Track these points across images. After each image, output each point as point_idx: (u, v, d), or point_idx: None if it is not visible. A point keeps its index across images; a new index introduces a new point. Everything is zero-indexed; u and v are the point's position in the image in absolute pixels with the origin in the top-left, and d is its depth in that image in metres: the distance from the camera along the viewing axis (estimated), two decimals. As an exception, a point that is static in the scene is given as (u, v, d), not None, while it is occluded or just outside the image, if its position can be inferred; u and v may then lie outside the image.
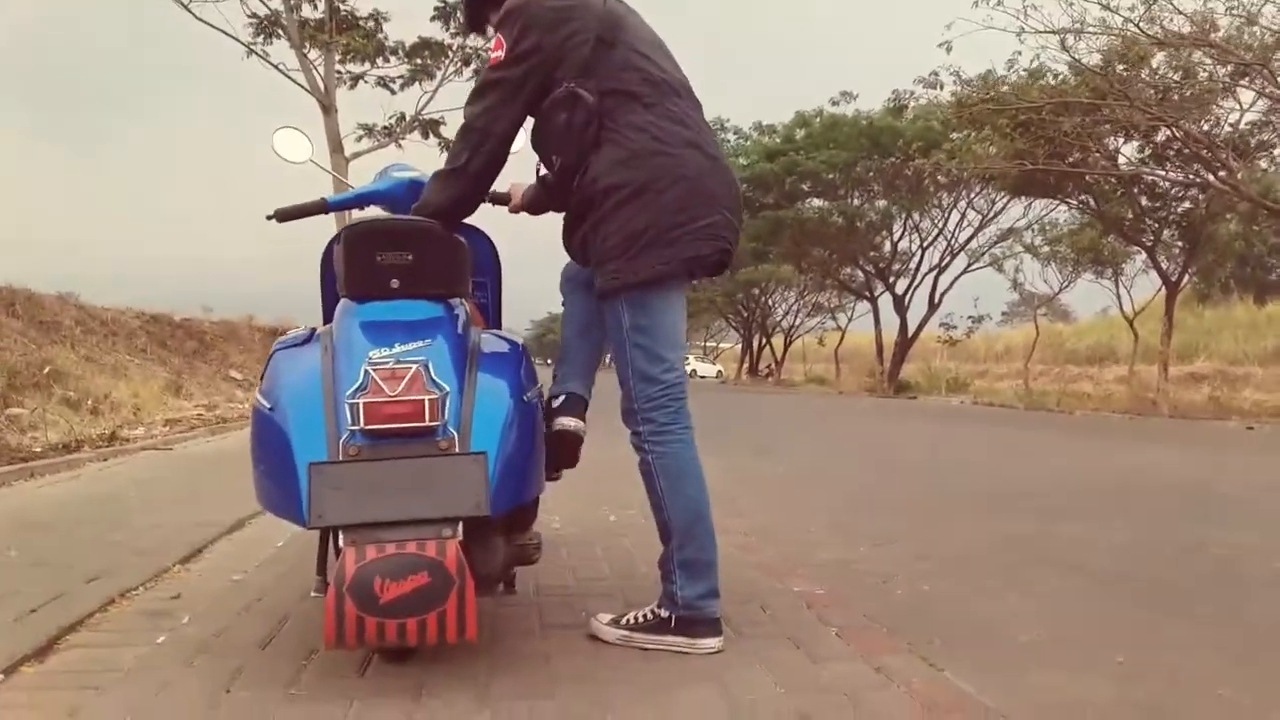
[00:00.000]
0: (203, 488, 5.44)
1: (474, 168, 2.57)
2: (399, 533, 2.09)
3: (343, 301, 2.51)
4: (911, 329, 29.38)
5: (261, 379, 2.45)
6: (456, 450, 2.19)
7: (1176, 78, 15.24)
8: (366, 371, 2.22)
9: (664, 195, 2.46)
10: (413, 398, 2.17)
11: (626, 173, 2.47)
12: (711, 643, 2.50)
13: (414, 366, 2.23)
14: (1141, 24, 14.22)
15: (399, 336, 2.34)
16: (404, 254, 2.44)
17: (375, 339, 2.33)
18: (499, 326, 3.00)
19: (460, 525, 2.15)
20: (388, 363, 2.25)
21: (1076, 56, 15.24)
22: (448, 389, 2.25)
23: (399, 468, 2.15)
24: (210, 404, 12.03)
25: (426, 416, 2.16)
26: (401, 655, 2.29)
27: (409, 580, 2.05)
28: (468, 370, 2.34)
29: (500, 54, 2.53)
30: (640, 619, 2.57)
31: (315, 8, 17.70)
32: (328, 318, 2.71)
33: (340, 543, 2.12)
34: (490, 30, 2.68)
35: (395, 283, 2.43)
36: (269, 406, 2.30)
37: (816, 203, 30.53)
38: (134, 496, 5.04)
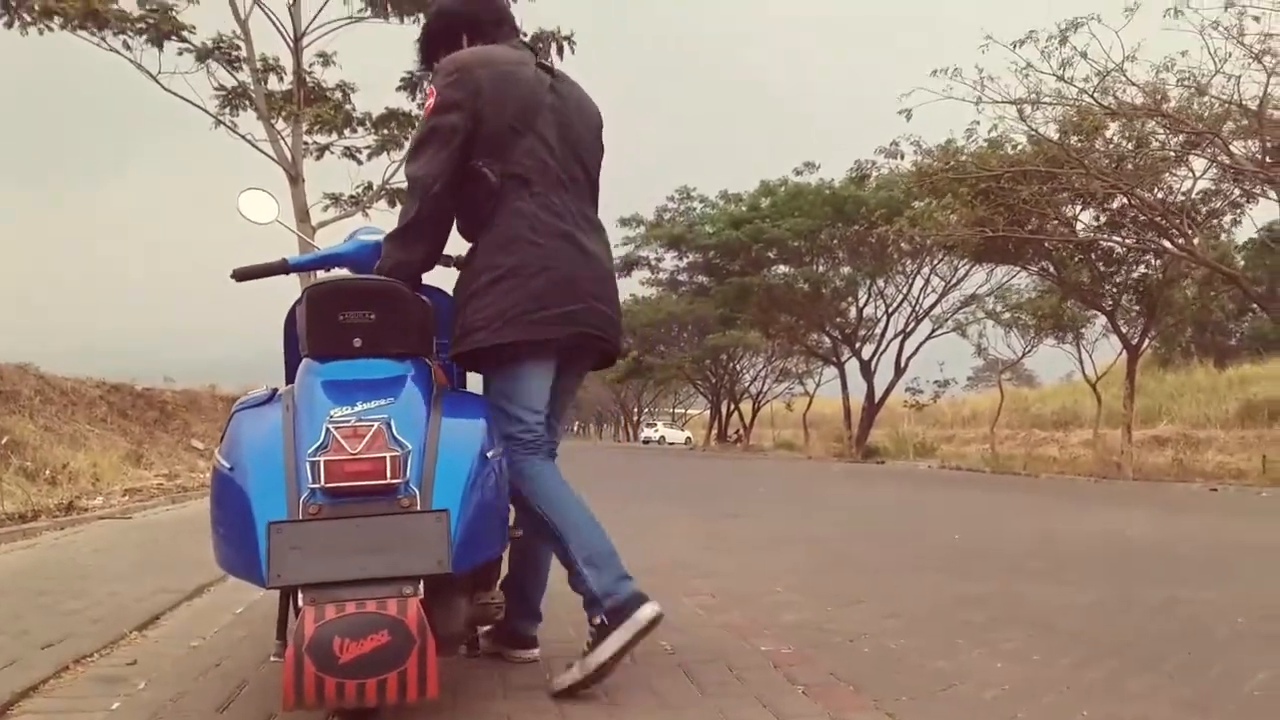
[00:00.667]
0: (162, 555, 5.34)
1: (423, 217, 2.68)
2: (359, 591, 2.07)
3: (305, 360, 2.51)
4: (878, 394, 29.61)
5: (221, 439, 2.45)
6: (418, 508, 2.18)
7: (1130, 147, 15.64)
8: (328, 429, 2.21)
9: (530, 281, 2.66)
10: (374, 455, 2.16)
11: (502, 256, 2.67)
12: (648, 610, 2.59)
13: (376, 424, 2.22)
14: (1095, 95, 14.64)
15: (361, 395, 2.35)
16: (367, 313, 2.46)
17: (337, 397, 2.33)
18: (463, 385, 3.01)
19: (421, 583, 2.12)
20: (349, 421, 2.24)
21: (1033, 126, 15.64)
22: (410, 447, 2.24)
23: (360, 526, 2.13)
24: (171, 473, 11.86)
25: (388, 474, 2.15)
26: (362, 715, 2.20)
27: (369, 640, 2.02)
28: (430, 428, 2.34)
29: (431, 102, 2.71)
30: (585, 648, 2.60)
31: (281, 80, 17.83)
32: (290, 379, 2.69)
33: (299, 602, 2.08)
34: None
35: (358, 342, 2.45)
36: (229, 466, 2.28)
37: (782, 269, 30.90)
38: (91, 564, 4.94)
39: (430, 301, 2.70)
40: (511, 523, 2.65)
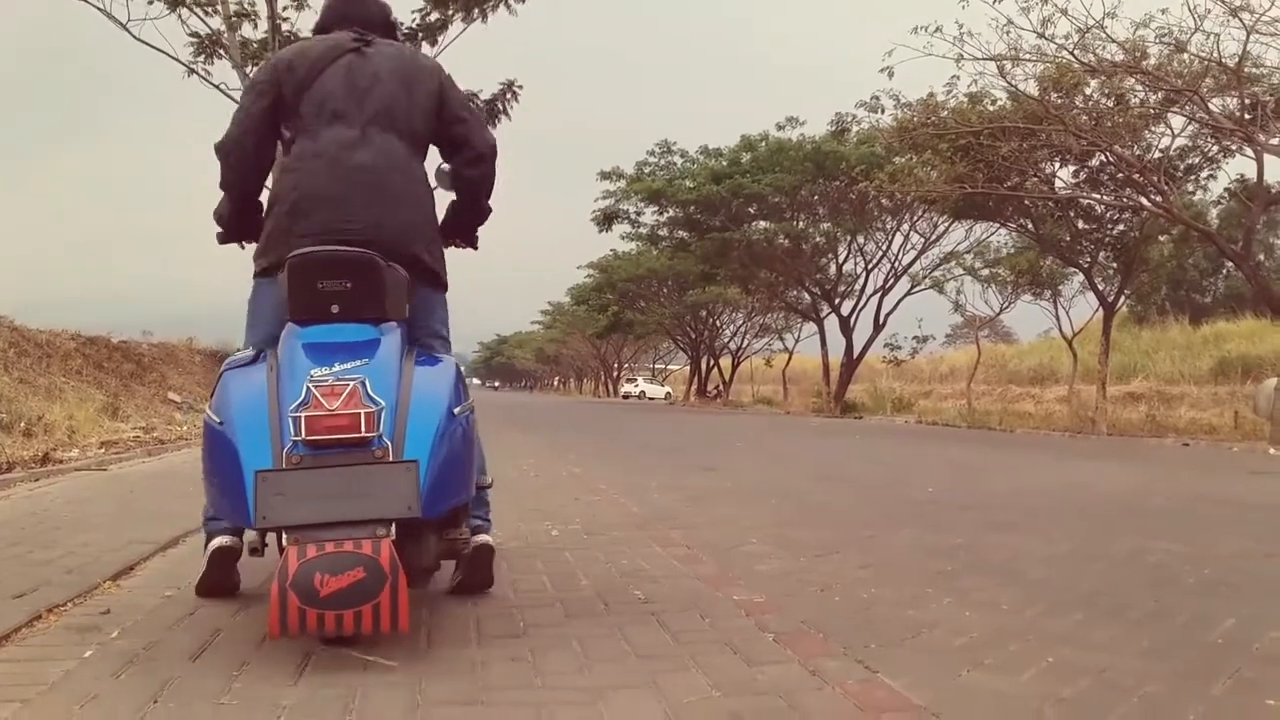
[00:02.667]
0: (137, 506, 5.33)
1: (223, 176, 3.10)
2: (337, 533, 2.31)
3: (288, 324, 2.73)
4: (857, 350, 29.72)
5: (212, 396, 2.69)
6: (390, 459, 2.43)
7: (1110, 104, 15.62)
8: (308, 388, 2.45)
9: (280, 208, 2.93)
10: (350, 411, 2.40)
11: (272, 189, 3.02)
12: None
13: (352, 383, 2.47)
14: (1075, 52, 14.59)
15: (339, 356, 2.58)
16: (344, 282, 2.69)
17: (317, 358, 2.57)
18: None
19: (393, 526, 2.36)
20: (328, 380, 2.48)
21: (1013, 83, 15.58)
22: (383, 404, 2.47)
23: (337, 475, 2.38)
24: (148, 426, 11.80)
25: (363, 428, 2.40)
26: (343, 643, 2.41)
27: (346, 576, 2.25)
28: (402, 387, 2.58)
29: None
30: None
31: (256, 27, 17.52)
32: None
33: (284, 542, 2.32)
34: None
35: (336, 308, 2.69)
36: (219, 421, 2.55)
37: (763, 225, 30.81)
38: (66, 515, 4.92)
39: (403, 273, 2.88)
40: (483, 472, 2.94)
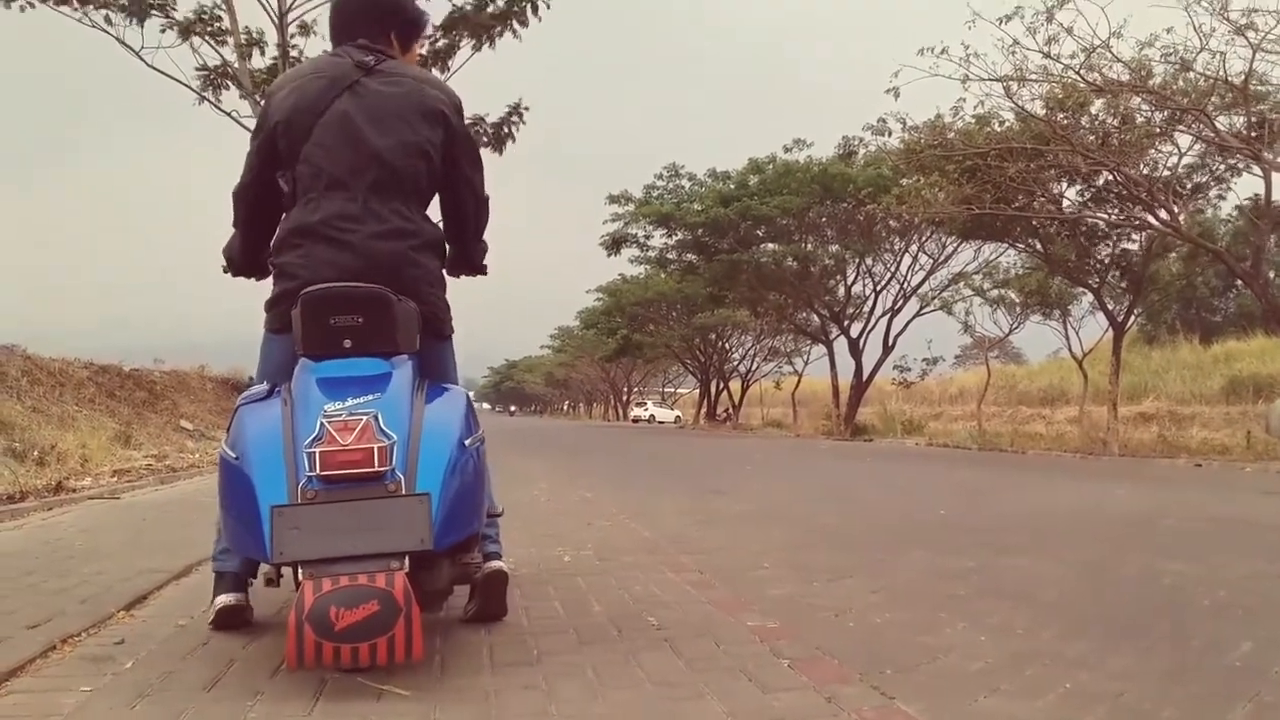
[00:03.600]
0: (150, 535, 5.34)
1: (234, 223, 3.20)
2: (352, 566, 2.34)
3: (301, 359, 2.77)
4: (866, 372, 29.65)
5: (227, 431, 2.74)
6: (403, 492, 2.46)
7: (1115, 123, 15.64)
8: (322, 423, 2.49)
9: (285, 281, 2.92)
10: (363, 446, 2.44)
11: (276, 256, 2.98)
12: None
13: (365, 418, 2.50)
14: (1081, 71, 14.63)
15: (351, 391, 2.62)
16: (355, 317, 2.73)
17: (330, 393, 2.61)
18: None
19: (406, 558, 2.40)
20: (341, 415, 2.52)
21: (1020, 103, 15.62)
22: (395, 437, 2.51)
23: (351, 509, 2.41)
24: (160, 454, 11.83)
25: (376, 463, 2.44)
26: (359, 671, 2.43)
27: (361, 609, 2.29)
28: (414, 420, 2.61)
29: None
30: None
31: (264, 55, 17.65)
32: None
33: (300, 576, 2.35)
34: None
35: (348, 342, 2.72)
36: (235, 456, 2.60)
37: (771, 247, 30.83)
38: (79, 544, 4.93)
39: (415, 306, 2.91)
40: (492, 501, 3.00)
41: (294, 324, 2.80)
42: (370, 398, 2.60)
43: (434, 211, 3.22)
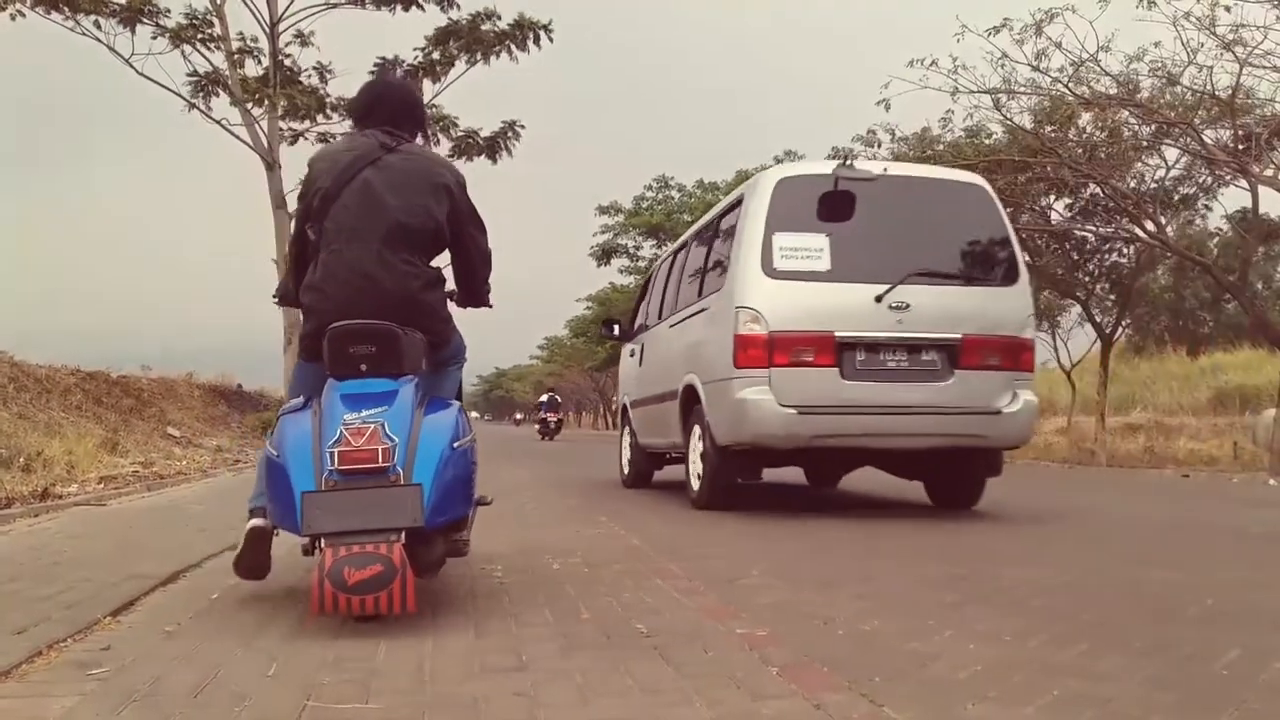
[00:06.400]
0: (137, 542, 5.32)
1: (279, 287, 4.21)
2: (361, 538, 2.99)
3: (329, 379, 3.48)
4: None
5: (271, 434, 3.53)
6: (401, 483, 3.15)
7: (1103, 136, 15.71)
8: (341, 429, 3.18)
9: (312, 317, 3.67)
10: (371, 447, 3.14)
11: (306, 296, 3.71)
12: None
13: (374, 425, 3.20)
14: (1069, 84, 14.70)
15: (365, 404, 3.30)
16: (369, 347, 3.44)
17: (349, 406, 3.30)
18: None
19: (403, 533, 3.04)
20: (355, 423, 3.21)
21: (1008, 116, 15.69)
22: (397, 440, 3.19)
23: (362, 495, 3.10)
24: (147, 461, 11.79)
25: (380, 460, 3.14)
26: (367, 619, 3.09)
27: (367, 570, 2.93)
28: (414, 427, 3.30)
29: None
30: None
31: (259, 63, 17.63)
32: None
33: (322, 545, 3.01)
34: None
35: (364, 366, 3.43)
36: (276, 454, 3.32)
37: (761, 258, 30.90)
38: (65, 551, 4.91)
39: (421, 336, 3.64)
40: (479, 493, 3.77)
41: (324, 351, 3.47)
42: (379, 410, 3.27)
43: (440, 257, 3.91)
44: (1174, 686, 2.63)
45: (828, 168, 6.98)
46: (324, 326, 3.51)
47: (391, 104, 3.91)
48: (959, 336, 6.71)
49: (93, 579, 4.02)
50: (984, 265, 7.18)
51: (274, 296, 4.33)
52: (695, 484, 7.60)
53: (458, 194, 3.81)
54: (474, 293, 4.18)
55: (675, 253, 9.62)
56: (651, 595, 3.86)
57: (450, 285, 3.99)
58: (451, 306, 4.03)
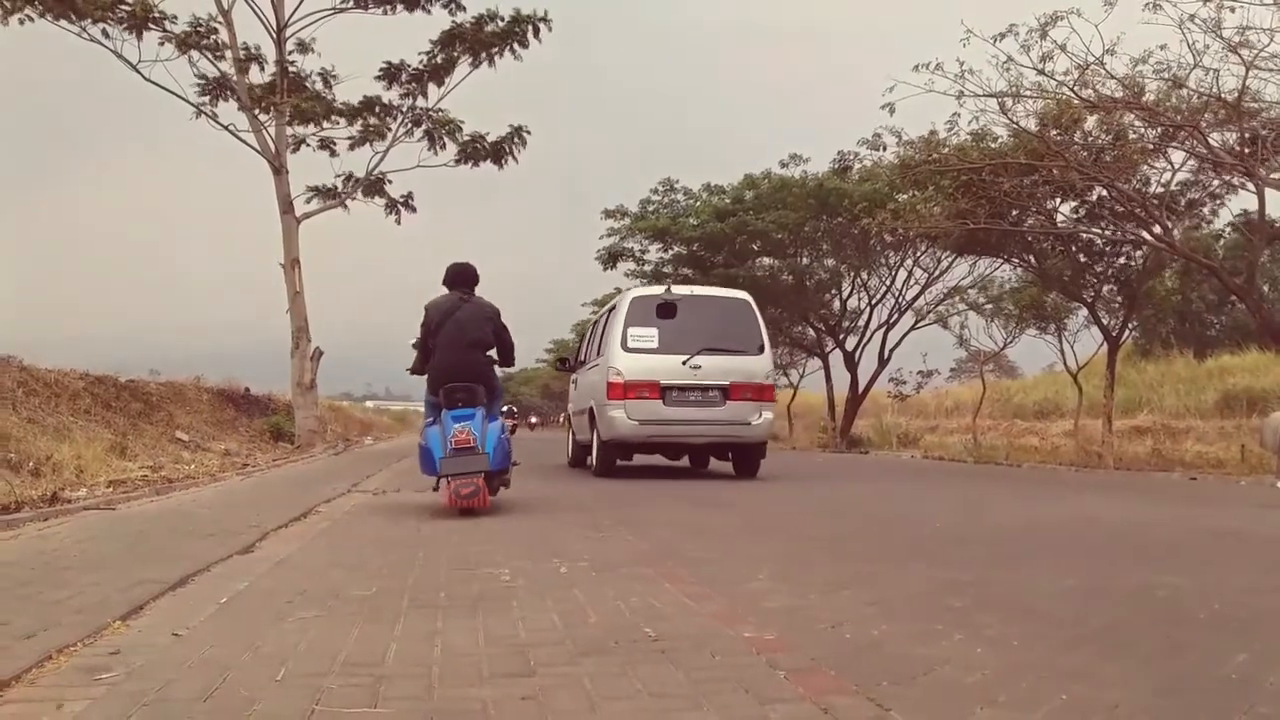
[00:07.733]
0: (146, 546, 5.33)
1: (417, 358, 8.04)
2: (464, 476, 6.91)
3: (444, 410, 7.32)
4: (862, 385, 29.66)
5: (422, 433, 7.73)
6: (480, 451, 7.04)
7: (1109, 139, 15.67)
8: (453, 431, 7.03)
9: (434, 374, 7.71)
10: (466, 438, 6.99)
11: (430, 368, 7.77)
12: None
13: (467, 428, 7.03)
14: (1075, 88, 14.68)
15: (462, 420, 7.10)
16: (462, 395, 7.34)
17: (455, 420, 7.12)
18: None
19: (482, 474, 6.99)
20: (458, 429, 7.03)
21: (1014, 119, 15.66)
22: (477, 435, 7.05)
23: (464, 457, 6.98)
24: (156, 465, 11.80)
25: (470, 443, 6.99)
26: (468, 514, 6.90)
27: (468, 489, 6.89)
28: (483, 429, 7.13)
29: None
30: None
31: (263, 70, 17.67)
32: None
33: (449, 481, 6.96)
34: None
35: (460, 402, 7.29)
36: (425, 444, 7.39)
37: (767, 261, 30.86)
38: (74, 555, 4.93)
39: (483, 388, 7.53)
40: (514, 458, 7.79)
41: (440, 395, 7.37)
42: (469, 423, 7.06)
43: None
44: (1182, 692, 2.62)
45: (660, 289, 12.75)
46: (441, 384, 7.42)
47: (463, 277, 7.86)
48: (729, 383, 11.82)
49: (102, 583, 4.03)
50: (743, 343, 12.12)
51: (408, 369, 8.11)
52: (594, 462, 12.65)
53: (497, 320, 7.86)
54: (506, 360, 8.09)
55: (594, 325, 15.11)
56: (659, 599, 3.86)
57: (493, 355, 7.88)
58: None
